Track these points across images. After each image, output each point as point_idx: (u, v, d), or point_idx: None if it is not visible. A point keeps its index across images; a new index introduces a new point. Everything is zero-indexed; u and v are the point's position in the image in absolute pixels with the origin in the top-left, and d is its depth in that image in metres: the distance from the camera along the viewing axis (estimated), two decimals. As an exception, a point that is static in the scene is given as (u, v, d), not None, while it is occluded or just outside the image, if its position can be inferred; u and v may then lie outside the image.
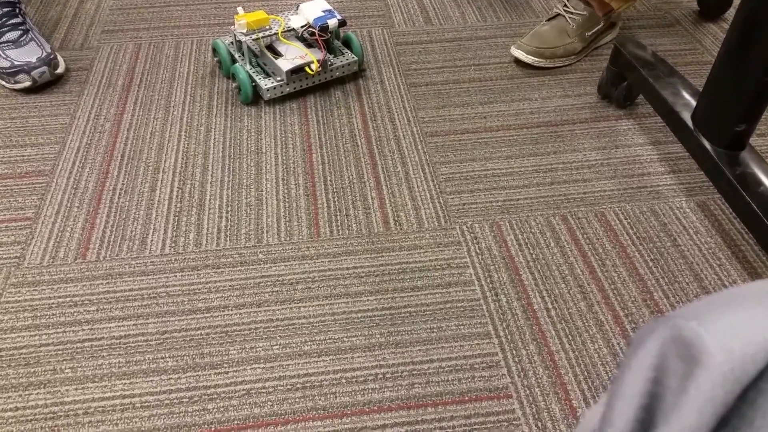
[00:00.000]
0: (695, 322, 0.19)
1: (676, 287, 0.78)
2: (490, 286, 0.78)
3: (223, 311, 0.75)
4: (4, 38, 1.05)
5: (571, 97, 1.07)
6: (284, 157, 0.96)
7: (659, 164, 0.95)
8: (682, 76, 0.91)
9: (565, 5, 1.11)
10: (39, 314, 0.74)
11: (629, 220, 0.87)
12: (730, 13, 1.26)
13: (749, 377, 0.18)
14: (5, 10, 1.07)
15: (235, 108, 1.05)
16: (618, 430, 0.20)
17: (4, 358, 0.70)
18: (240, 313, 0.74)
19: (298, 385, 0.68)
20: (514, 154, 0.97)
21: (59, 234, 0.84)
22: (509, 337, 0.72)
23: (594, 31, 1.12)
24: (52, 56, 1.05)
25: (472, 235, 0.84)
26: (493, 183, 0.92)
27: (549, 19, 1.13)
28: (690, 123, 0.84)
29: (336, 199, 0.89)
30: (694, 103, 0.86)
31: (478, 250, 0.82)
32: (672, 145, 0.98)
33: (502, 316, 0.74)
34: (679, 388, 0.19)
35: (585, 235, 0.84)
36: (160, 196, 0.89)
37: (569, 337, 0.72)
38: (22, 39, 1.06)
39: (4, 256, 0.81)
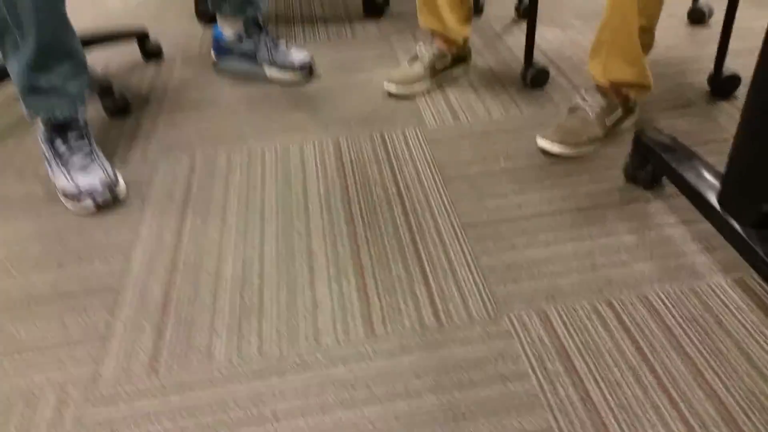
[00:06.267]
0: None
1: (727, 366, 0.80)
2: (546, 376, 0.80)
3: (290, 420, 0.78)
4: (72, 163, 1.16)
5: (600, 181, 1.13)
6: (334, 257, 1.02)
7: (693, 243, 0.99)
8: (703, 159, 0.97)
9: (584, 98, 1.19)
10: None
11: (671, 301, 0.90)
12: (741, 91, 1.33)
13: None
14: (74, 133, 1.18)
15: (286, 211, 1.12)
16: None
17: (89, 475, 0.74)
18: (306, 420, 0.78)
19: (370, 489, 0.70)
20: (552, 241, 1.02)
21: (130, 349, 0.89)
22: (571, 430, 0.74)
23: (614, 117, 1.19)
24: (114, 179, 1.15)
25: (521, 325, 0.88)
26: (536, 271, 0.96)
27: (570, 111, 1.20)
28: (716, 204, 0.88)
29: (387, 295, 0.94)
30: (718, 184, 0.91)
31: (529, 340, 0.85)
32: (703, 223, 1.02)
33: (561, 408, 0.76)
34: None
35: (631, 319, 0.87)
36: (221, 304, 0.95)
37: (631, 427, 0.74)
38: (87, 163, 1.16)
39: (80, 375, 0.86)
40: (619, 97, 1.19)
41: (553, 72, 1.50)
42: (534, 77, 1.42)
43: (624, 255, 0.98)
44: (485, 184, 1.16)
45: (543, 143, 1.18)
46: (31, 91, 1.12)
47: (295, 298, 0.95)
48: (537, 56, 1.53)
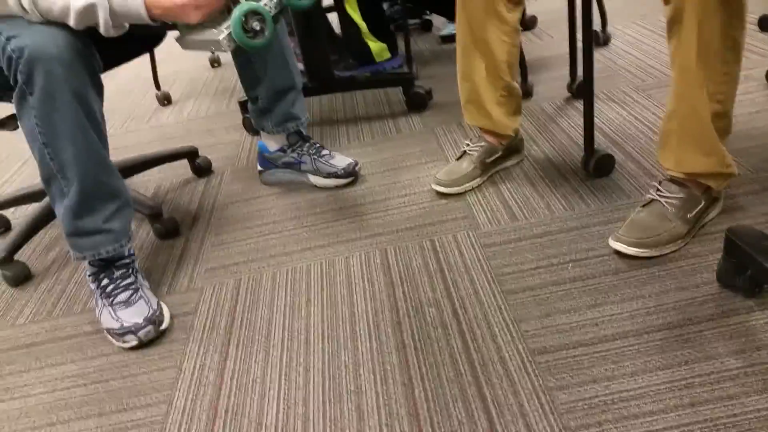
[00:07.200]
0: None
1: None
2: None
3: None
4: (117, 299, 1.13)
5: (689, 289, 0.97)
6: (385, 396, 0.91)
7: (820, 367, 0.81)
8: (821, 265, 0.80)
9: (659, 190, 1.06)
10: None
11: (805, 451, 0.72)
12: None
13: None
14: (120, 270, 1.16)
15: (332, 339, 1.03)
16: None
17: None
18: None
19: None
20: (639, 369, 0.86)
21: None
22: None
23: (696, 211, 1.04)
24: (157, 313, 1.11)
25: (612, 489, 0.72)
26: (624, 410, 0.81)
27: (644, 206, 1.07)
28: None
29: (447, 447, 0.81)
30: None
31: None
32: (829, 339, 0.84)
33: None
34: None
35: (753, 478, 0.70)
36: (263, 461, 0.85)
37: None
38: (132, 298, 1.13)
39: None
40: (700, 188, 1.04)
41: (618, 156, 1.37)
42: (597, 164, 1.30)
43: (729, 386, 0.81)
44: (553, 296, 1.02)
45: (617, 245, 1.04)
46: (76, 234, 1.12)
47: (344, 452, 0.84)
48: (598, 139, 1.41)
